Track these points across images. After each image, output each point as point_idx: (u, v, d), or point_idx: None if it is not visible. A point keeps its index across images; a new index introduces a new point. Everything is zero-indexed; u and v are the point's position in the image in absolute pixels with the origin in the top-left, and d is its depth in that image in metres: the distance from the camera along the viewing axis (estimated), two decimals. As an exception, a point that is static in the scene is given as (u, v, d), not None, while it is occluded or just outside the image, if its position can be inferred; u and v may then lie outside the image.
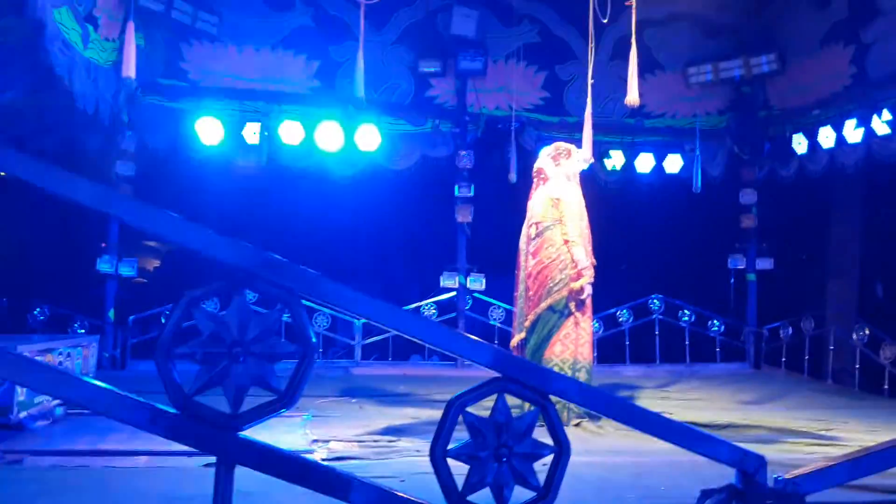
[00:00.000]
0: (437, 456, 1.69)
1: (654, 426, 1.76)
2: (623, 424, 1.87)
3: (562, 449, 1.73)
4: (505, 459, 1.71)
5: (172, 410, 1.56)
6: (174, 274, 9.54)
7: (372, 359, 9.58)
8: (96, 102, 7.82)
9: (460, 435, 1.79)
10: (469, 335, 1.84)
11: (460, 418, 1.72)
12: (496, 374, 1.74)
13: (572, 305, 5.84)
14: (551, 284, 5.85)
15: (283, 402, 1.60)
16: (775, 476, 1.76)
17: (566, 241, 5.84)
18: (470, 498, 1.73)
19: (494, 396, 1.74)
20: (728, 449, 1.77)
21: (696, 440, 1.76)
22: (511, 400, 1.86)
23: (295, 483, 1.69)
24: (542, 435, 1.85)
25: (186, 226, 1.57)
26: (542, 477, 1.83)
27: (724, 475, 1.90)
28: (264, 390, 1.64)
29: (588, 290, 5.88)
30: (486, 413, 1.82)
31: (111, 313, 8.82)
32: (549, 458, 1.82)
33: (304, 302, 1.72)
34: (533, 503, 1.75)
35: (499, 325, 9.41)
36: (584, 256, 5.86)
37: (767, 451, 4.70)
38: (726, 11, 9.86)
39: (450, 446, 1.73)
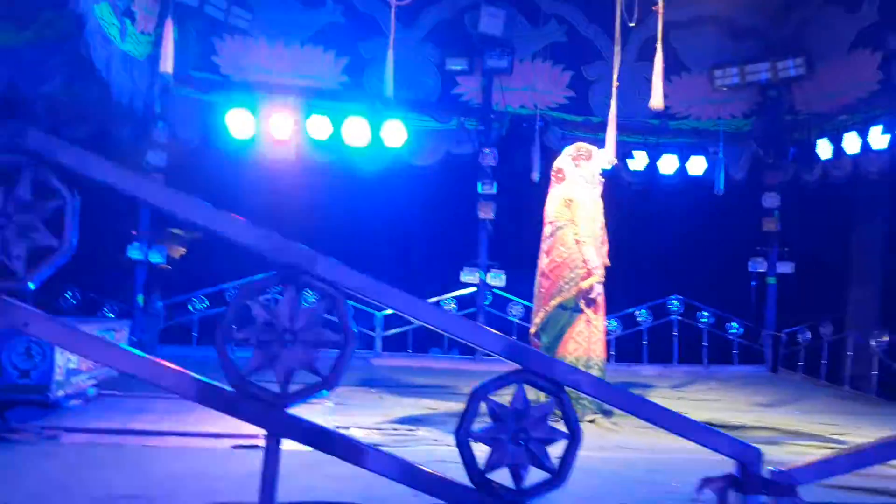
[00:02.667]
0: (462, 438, 1.85)
1: (659, 417, 1.90)
2: (629, 414, 2.00)
3: (574, 437, 1.89)
4: (522, 443, 1.87)
5: (229, 388, 1.74)
6: (199, 261, 9.77)
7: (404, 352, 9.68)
8: (131, 94, 8.04)
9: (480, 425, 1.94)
10: (490, 329, 1.99)
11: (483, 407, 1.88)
12: (516, 367, 1.89)
13: (582, 303, 5.95)
14: (562, 283, 5.96)
15: (325, 384, 1.77)
16: (772, 468, 1.89)
17: (577, 241, 5.94)
18: (489, 476, 1.89)
19: (514, 386, 1.89)
20: (728, 441, 1.90)
21: (698, 432, 1.90)
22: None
23: (335, 456, 1.86)
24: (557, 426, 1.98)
25: (248, 226, 1.74)
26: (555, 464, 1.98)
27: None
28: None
29: (598, 289, 5.97)
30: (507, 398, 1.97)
31: (140, 298, 9.07)
32: (562, 446, 1.97)
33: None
34: (546, 483, 1.91)
35: (518, 321, 9.52)
36: (594, 256, 5.95)
37: (776, 452, 4.84)
38: (754, 14, 9.87)
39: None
